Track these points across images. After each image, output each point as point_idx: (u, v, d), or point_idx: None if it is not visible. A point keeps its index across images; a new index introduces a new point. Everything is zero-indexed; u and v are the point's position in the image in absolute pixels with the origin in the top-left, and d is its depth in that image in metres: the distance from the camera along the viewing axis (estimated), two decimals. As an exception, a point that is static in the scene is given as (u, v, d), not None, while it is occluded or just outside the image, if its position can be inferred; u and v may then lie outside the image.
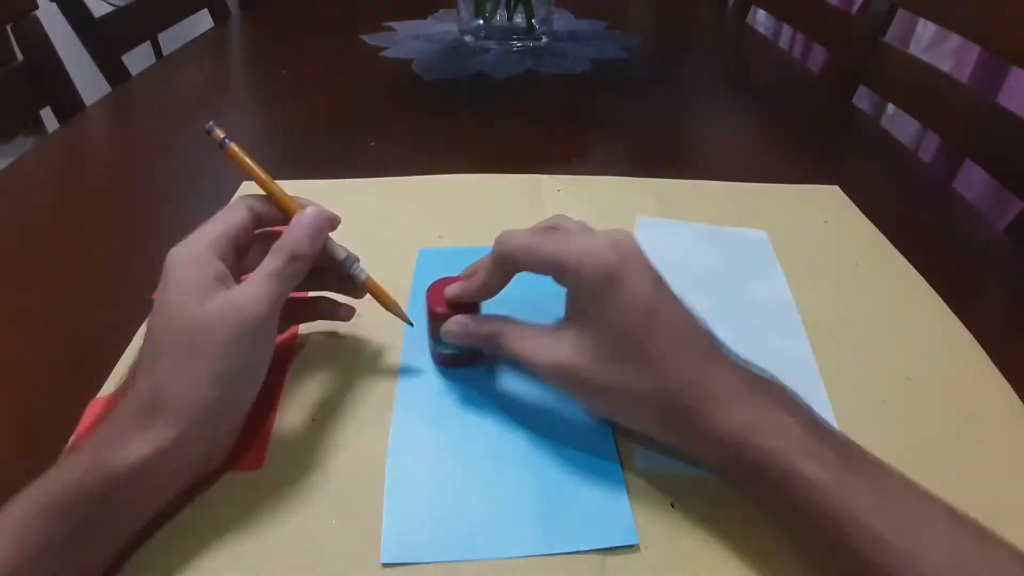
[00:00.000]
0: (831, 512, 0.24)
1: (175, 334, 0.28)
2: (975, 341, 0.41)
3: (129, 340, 0.39)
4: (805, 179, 0.59)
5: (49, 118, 0.78)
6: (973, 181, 0.95)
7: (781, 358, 0.35)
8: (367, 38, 0.97)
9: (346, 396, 0.36)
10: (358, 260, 0.36)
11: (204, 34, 1.02)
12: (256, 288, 0.30)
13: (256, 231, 0.34)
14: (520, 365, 0.33)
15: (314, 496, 0.31)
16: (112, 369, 0.37)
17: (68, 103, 0.77)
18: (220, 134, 0.35)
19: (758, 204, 0.55)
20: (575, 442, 0.33)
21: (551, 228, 0.33)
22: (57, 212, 0.55)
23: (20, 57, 0.75)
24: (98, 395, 0.36)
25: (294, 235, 0.31)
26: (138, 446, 0.26)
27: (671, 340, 0.29)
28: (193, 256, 0.30)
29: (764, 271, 0.46)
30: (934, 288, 0.45)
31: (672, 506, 0.30)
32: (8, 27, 0.74)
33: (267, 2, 1.18)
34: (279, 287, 0.30)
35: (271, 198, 0.34)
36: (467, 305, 0.35)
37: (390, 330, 0.39)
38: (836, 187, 0.57)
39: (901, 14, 0.84)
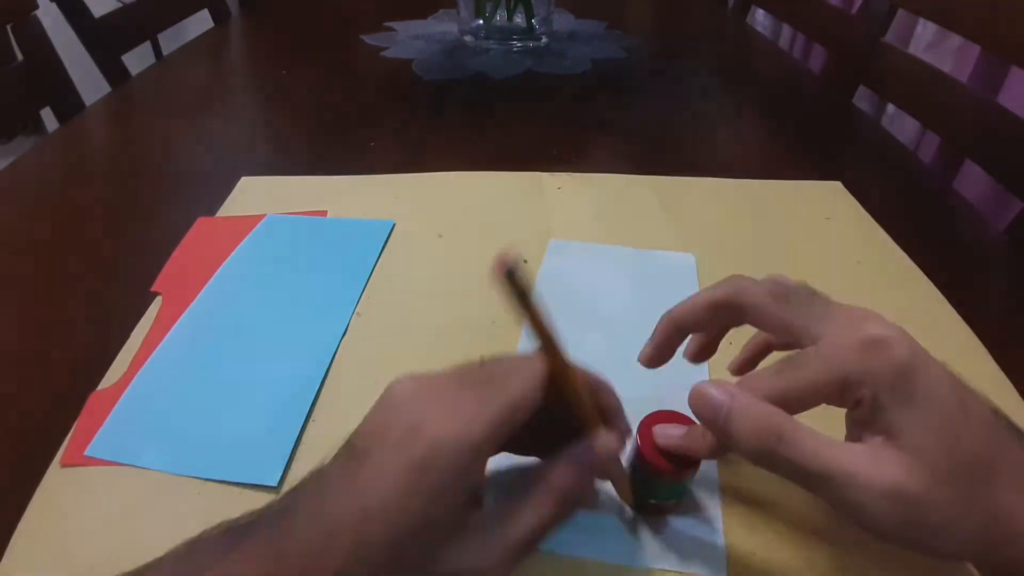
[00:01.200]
0: None
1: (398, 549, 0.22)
2: (977, 339, 0.41)
3: (127, 336, 0.40)
4: (805, 179, 0.58)
5: (49, 118, 0.78)
6: (973, 181, 0.95)
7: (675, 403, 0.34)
8: (367, 38, 0.97)
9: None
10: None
11: (204, 34, 1.02)
12: (499, 558, 0.23)
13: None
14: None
15: None
16: (111, 364, 0.38)
17: (68, 103, 0.77)
18: (522, 281, 0.23)
19: (759, 200, 0.55)
20: None
21: (790, 357, 0.25)
22: (57, 211, 0.55)
23: (20, 57, 0.75)
24: (98, 388, 0.36)
25: (573, 474, 0.24)
26: None
27: (994, 438, 0.23)
28: (461, 460, 0.22)
29: (679, 296, 0.44)
30: (935, 287, 0.45)
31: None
32: (8, 27, 0.74)
33: (267, 2, 1.18)
34: (523, 555, 0.24)
35: (557, 379, 0.25)
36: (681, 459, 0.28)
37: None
38: (838, 183, 0.57)
39: (901, 14, 0.84)
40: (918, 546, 0.23)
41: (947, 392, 0.23)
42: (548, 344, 0.24)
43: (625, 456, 0.28)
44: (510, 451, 0.28)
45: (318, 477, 0.24)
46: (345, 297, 0.43)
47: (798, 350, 0.25)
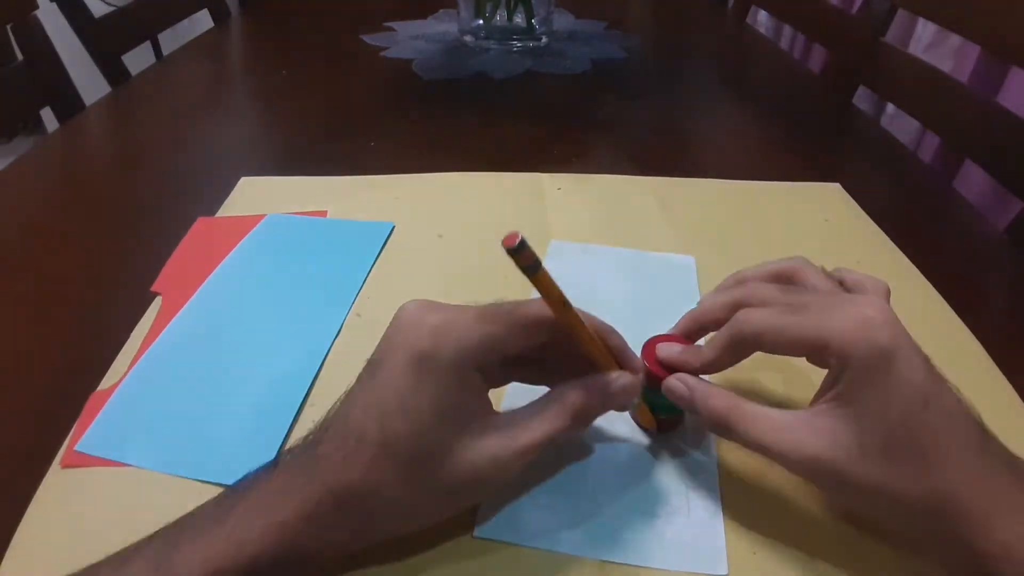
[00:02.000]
0: None
1: (409, 463, 0.25)
2: (977, 340, 0.41)
3: (127, 336, 0.40)
4: (805, 179, 0.58)
5: (49, 118, 0.78)
6: (973, 181, 0.95)
7: None
8: (367, 38, 0.97)
9: None
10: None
11: (204, 34, 1.02)
12: (514, 459, 0.26)
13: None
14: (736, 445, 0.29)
15: None
16: (111, 364, 0.38)
17: (68, 103, 0.77)
18: (531, 256, 0.26)
19: (759, 202, 0.55)
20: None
21: (793, 302, 0.28)
22: (57, 212, 0.55)
23: (20, 57, 0.75)
24: (98, 388, 0.36)
25: (592, 400, 0.28)
26: (330, 536, 0.25)
27: (948, 433, 0.25)
28: (458, 357, 0.25)
29: (682, 301, 0.42)
30: (934, 288, 0.45)
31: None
32: (8, 27, 0.74)
33: (267, 2, 1.18)
34: (538, 454, 0.27)
35: (572, 332, 0.28)
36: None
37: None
38: (837, 185, 0.57)
39: (901, 14, 0.84)
40: (856, 507, 0.28)
41: (912, 379, 0.25)
42: (557, 298, 0.27)
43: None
44: (525, 381, 0.31)
45: (344, 397, 0.26)
46: (340, 298, 0.43)
47: (803, 300, 0.28)
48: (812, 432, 0.26)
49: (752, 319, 0.28)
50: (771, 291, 0.30)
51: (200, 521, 0.25)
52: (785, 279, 0.32)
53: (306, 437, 0.26)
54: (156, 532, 0.25)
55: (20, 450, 0.33)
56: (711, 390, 0.29)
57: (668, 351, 0.31)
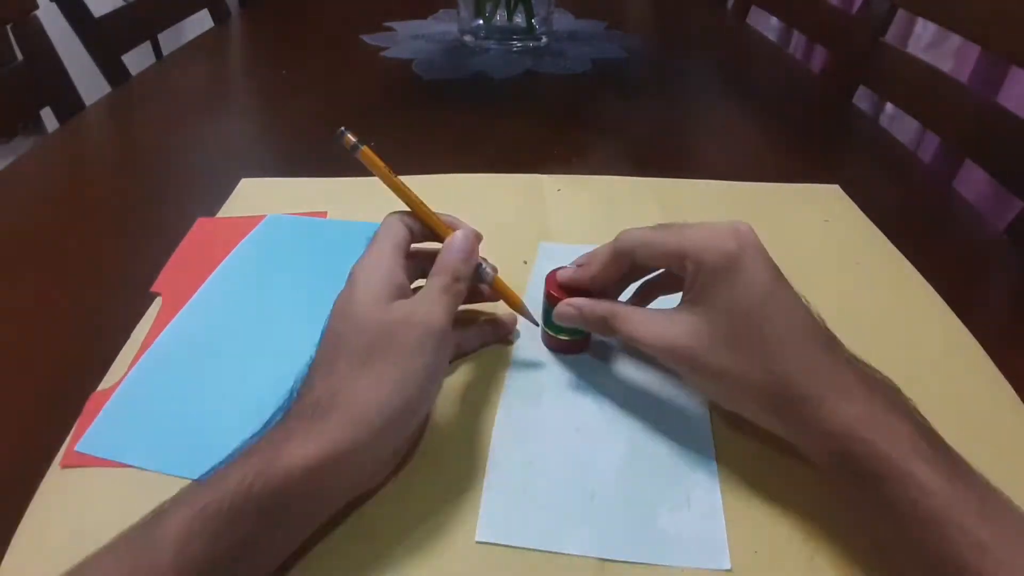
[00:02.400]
0: (936, 514, 0.24)
1: (358, 337, 0.29)
2: (975, 340, 0.41)
3: (127, 336, 0.40)
4: (805, 179, 0.59)
5: (49, 118, 0.78)
6: (973, 181, 0.95)
7: (669, 400, 0.36)
8: (367, 38, 0.97)
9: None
10: (484, 260, 0.36)
11: (204, 34, 1.02)
12: (435, 299, 0.31)
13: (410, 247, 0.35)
14: (630, 349, 0.35)
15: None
16: (111, 364, 0.38)
17: (68, 103, 0.77)
18: (352, 138, 0.36)
19: (758, 203, 0.55)
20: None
21: (663, 225, 0.34)
22: (57, 212, 0.55)
23: (20, 57, 0.75)
24: (98, 388, 0.36)
25: (452, 257, 0.33)
26: (306, 448, 0.25)
27: (787, 327, 0.29)
28: (377, 265, 0.31)
29: (672, 298, 0.45)
30: (934, 288, 0.45)
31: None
32: (8, 27, 0.74)
33: (267, 2, 1.18)
34: (452, 302, 0.31)
35: (417, 215, 0.35)
36: (580, 294, 0.36)
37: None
38: (836, 186, 0.57)
39: (901, 14, 0.84)
40: (710, 392, 0.33)
41: (755, 279, 0.29)
42: (383, 171, 0.36)
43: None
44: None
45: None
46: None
47: (671, 225, 0.33)
48: (672, 324, 0.31)
49: (628, 234, 0.34)
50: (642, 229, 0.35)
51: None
52: None
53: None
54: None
55: (20, 450, 0.33)
56: (593, 302, 0.35)
57: (562, 274, 0.37)
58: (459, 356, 0.38)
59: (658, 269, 0.36)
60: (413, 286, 0.34)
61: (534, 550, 0.29)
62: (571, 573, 0.28)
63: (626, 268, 0.35)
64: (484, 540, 0.29)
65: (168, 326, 0.40)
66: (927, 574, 0.25)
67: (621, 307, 0.34)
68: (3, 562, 0.28)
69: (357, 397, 0.27)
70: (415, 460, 0.33)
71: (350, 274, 0.32)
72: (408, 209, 0.36)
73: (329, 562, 0.28)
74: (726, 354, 0.29)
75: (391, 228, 0.34)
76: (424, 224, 0.35)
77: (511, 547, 0.29)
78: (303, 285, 0.44)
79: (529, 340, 0.40)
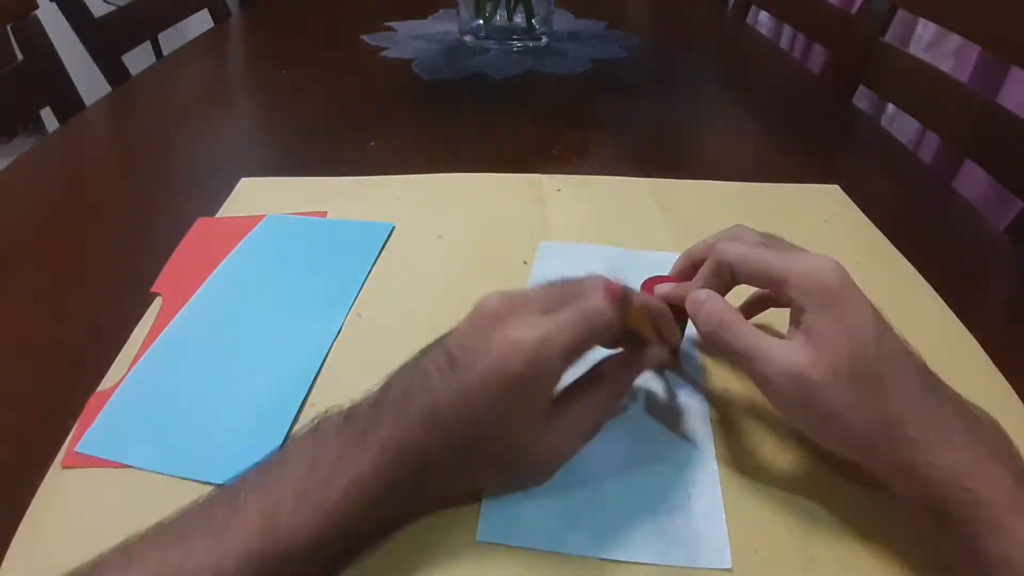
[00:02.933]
0: None
1: (495, 451, 0.29)
2: (975, 341, 0.41)
3: (127, 336, 0.40)
4: (805, 179, 0.59)
5: (49, 118, 0.78)
6: (973, 181, 0.95)
7: (670, 399, 0.36)
8: (367, 38, 0.97)
9: None
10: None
11: (204, 34, 1.02)
12: (577, 433, 0.32)
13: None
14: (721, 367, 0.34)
15: None
16: (111, 365, 0.38)
17: (68, 103, 0.77)
18: (618, 289, 0.31)
19: (758, 203, 0.55)
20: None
21: (765, 242, 0.33)
22: (57, 212, 0.55)
23: (20, 57, 0.75)
24: (99, 388, 0.36)
25: (633, 375, 0.34)
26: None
27: (899, 365, 0.28)
28: (548, 367, 0.28)
29: None
30: (934, 288, 0.45)
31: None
32: (8, 27, 0.74)
33: (267, 2, 1.18)
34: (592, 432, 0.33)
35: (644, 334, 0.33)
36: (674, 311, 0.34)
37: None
38: (836, 186, 0.57)
39: (901, 14, 0.84)
40: (814, 429, 0.30)
41: (864, 315, 0.28)
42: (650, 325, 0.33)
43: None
44: None
45: (422, 382, 0.28)
46: (340, 298, 0.43)
47: (770, 243, 0.33)
48: (794, 350, 0.29)
49: (730, 247, 0.33)
50: (746, 234, 0.34)
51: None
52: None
53: (370, 399, 0.28)
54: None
55: (20, 450, 0.33)
56: (717, 299, 0.32)
57: (663, 288, 0.36)
58: None
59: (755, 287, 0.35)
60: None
61: (535, 550, 0.29)
62: (572, 573, 0.28)
63: (729, 286, 0.33)
64: (485, 540, 0.29)
65: (168, 326, 0.40)
66: None
67: (736, 316, 0.31)
68: (3, 562, 0.28)
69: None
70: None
71: (514, 342, 0.28)
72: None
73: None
74: (850, 391, 0.27)
75: (593, 317, 0.30)
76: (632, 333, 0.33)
77: (512, 547, 0.29)
78: (303, 285, 0.45)
79: None
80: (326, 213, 0.52)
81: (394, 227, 0.50)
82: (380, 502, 0.26)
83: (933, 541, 0.28)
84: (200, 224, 0.50)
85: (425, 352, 0.30)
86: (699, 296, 0.32)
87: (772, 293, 0.32)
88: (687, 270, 0.36)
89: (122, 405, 0.35)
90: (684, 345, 0.40)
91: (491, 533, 0.29)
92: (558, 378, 0.29)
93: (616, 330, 0.31)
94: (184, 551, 0.24)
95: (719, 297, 0.32)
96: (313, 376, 0.37)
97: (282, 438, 0.33)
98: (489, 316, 0.29)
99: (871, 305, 0.29)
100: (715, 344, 0.31)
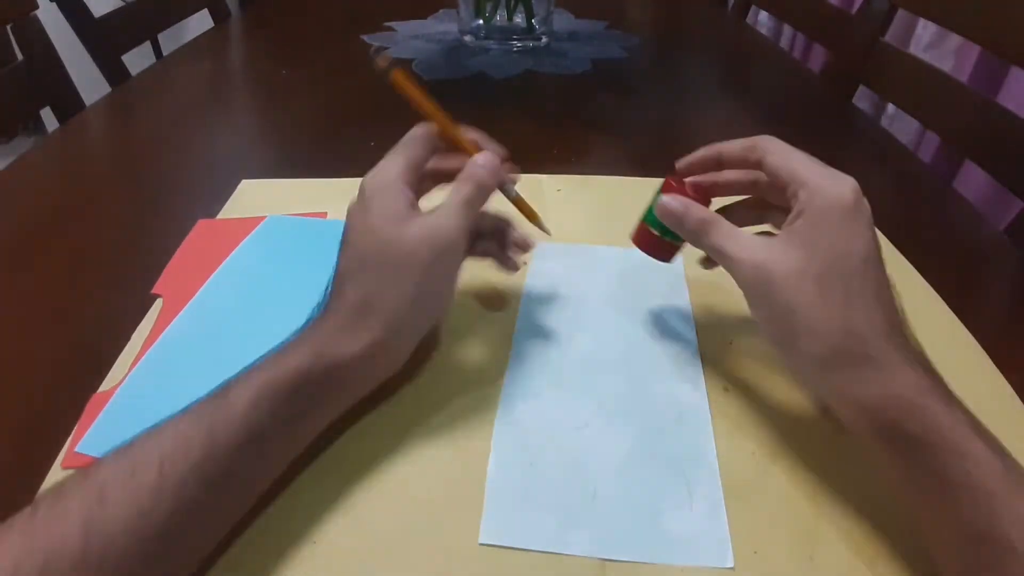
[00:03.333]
0: (988, 488, 0.24)
1: (380, 253, 0.32)
2: (975, 341, 0.41)
3: (128, 337, 0.40)
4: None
5: (49, 118, 0.78)
6: (973, 181, 0.95)
7: (670, 400, 0.36)
8: (367, 38, 0.97)
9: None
10: (512, 181, 0.39)
11: (204, 34, 1.02)
12: (451, 215, 0.33)
13: (429, 165, 0.37)
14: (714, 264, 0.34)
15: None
16: (112, 366, 0.38)
17: (68, 103, 0.77)
18: (384, 62, 0.38)
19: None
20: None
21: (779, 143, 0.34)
22: (57, 212, 0.55)
23: (20, 57, 0.75)
24: (99, 390, 0.36)
25: (477, 171, 0.35)
26: (352, 344, 0.30)
27: (877, 292, 0.29)
28: (388, 184, 0.33)
29: (670, 293, 0.45)
30: (934, 288, 0.45)
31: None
32: (8, 27, 0.74)
33: (267, 2, 1.18)
34: (468, 214, 0.34)
35: (444, 132, 0.37)
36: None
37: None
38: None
39: (901, 14, 0.84)
40: (774, 331, 0.31)
41: (862, 236, 0.29)
42: (422, 104, 0.38)
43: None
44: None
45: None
46: None
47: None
48: (765, 246, 0.31)
49: (771, 139, 0.34)
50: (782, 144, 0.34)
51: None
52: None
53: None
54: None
55: (20, 450, 0.33)
56: (699, 206, 0.34)
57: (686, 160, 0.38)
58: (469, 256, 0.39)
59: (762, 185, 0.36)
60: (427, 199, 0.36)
61: (536, 551, 0.29)
62: (573, 574, 0.28)
63: (751, 169, 0.35)
64: (487, 543, 0.29)
65: (168, 327, 0.40)
66: (966, 546, 0.25)
67: (723, 220, 0.33)
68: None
69: (386, 305, 0.31)
70: (417, 464, 0.33)
71: (362, 186, 0.34)
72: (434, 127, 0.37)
73: (333, 564, 0.28)
74: (811, 290, 0.29)
75: (412, 143, 0.36)
76: (451, 143, 0.37)
77: (513, 549, 0.29)
78: (304, 285, 0.44)
79: (528, 337, 0.40)
80: (326, 214, 0.52)
81: None
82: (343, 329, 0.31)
83: (892, 470, 0.28)
84: (201, 226, 0.50)
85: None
86: (685, 201, 0.34)
87: (774, 193, 0.33)
88: (709, 160, 0.37)
89: (122, 406, 0.35)
90: (682, 347, 0.40)
91: (492, 535, 0.30)
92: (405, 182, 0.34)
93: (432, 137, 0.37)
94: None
95: (700, 210, 0.34)
96: None
97: None
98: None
99: (874, 233, 0.30)
100: (699, 244, 0.34)
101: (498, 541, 0.29)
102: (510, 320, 0.42)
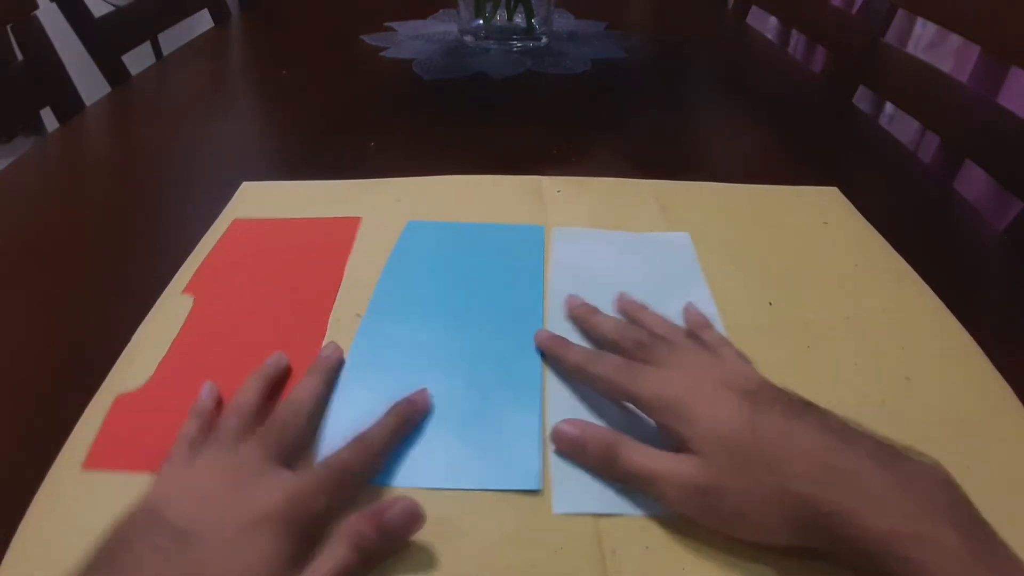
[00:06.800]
0: None
1: None
2: (974, 341, 0.41)
3: (127, 339, 0.40)
4: (805, 180, 0.58)
5: (49, 118, 0.78)
6: (973, 181, 0.95)
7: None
8: (367, 38, 0.97)
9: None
10: None
11: (204, 34, 1.02)
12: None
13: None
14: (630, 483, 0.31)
15: None
16: (110, 368, 0.38)
17: (68, 103, 0.77)
18: None
19: (757, 205, 0.55)
20: (503, 386, 0.36)
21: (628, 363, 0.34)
22: (57, 212, 0.55)
23: (20, 57, 0.75)
24: (120, 391, 0.36)
25: (368, 530, 0.27)
26: None
27: (784, 441, 0.27)
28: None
29: (685, 273, 0.46)
30: (934, 288, 0.45)
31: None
32: (8, 27, 0.74)
33: (267, 2, 1.18)
34: None
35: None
36: None
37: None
38: (835, 189, 0.57)
39: (901, 14, 0.84)
40: (729, 529, 0.28)
41: (723, 412, 0.29)
42: None
43: None
44: None
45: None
46: (529, 305, 0.43)
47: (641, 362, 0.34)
48: (680, 462, 0.29)
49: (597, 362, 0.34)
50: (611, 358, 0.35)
51: None
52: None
53: None
54: None
55: (20, 450, 0.33)
56: (594, 426, 0.32)
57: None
58: None
59: None
60: None
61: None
62: (575, 572, 0.28)
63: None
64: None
65: (353, 345, 0.39)
66: None
67: (625, 438, 0.31)
68: (3, 562, 0.28)
69: None
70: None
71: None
72: None
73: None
74: (740, 486, 0.27)
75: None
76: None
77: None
78: (483, 295, 0.44)
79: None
80: (360, 219, 0.51)
81: (544, 229, 0.50)
82: None
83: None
84: (236, 226, 0.50)
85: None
86: (580, 424, 0.32)
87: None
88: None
89: (339, 418, 0.34)
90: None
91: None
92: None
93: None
94: None
95: (601, 433, 0.32)
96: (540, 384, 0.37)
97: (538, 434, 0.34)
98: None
99: (732, 396, 0.29)
100: (611, 474, 0.31)
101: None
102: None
